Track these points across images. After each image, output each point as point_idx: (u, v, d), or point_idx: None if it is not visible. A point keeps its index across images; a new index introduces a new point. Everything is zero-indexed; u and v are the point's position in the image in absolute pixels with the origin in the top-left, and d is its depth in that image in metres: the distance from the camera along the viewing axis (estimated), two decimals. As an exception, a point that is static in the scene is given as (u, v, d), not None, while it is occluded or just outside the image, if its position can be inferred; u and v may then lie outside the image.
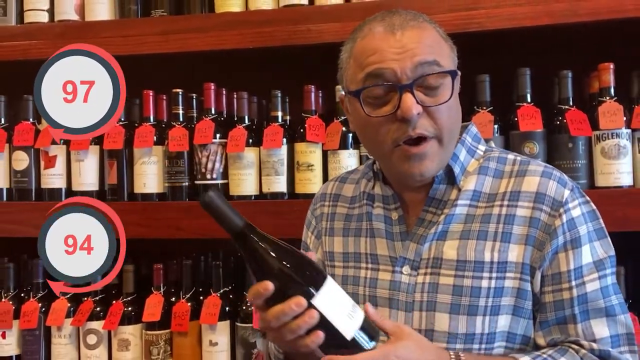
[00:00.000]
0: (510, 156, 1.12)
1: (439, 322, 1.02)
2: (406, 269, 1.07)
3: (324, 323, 0.90)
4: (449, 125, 1.03)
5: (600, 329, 1.01)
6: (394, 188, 1.12)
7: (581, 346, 1.01)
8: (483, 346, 1.02)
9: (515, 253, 1.02)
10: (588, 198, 1.07)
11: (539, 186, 1.04)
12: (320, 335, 0.90)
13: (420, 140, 1.01)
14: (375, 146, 1.07)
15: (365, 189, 1.18)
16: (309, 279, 0.92)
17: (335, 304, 0.92)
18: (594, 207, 1.06)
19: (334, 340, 0.91)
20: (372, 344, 0.93)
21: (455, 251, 1.04)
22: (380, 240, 1.11)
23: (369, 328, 0.93)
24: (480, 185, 1.08)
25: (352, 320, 0.92)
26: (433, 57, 1.01)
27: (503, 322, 1.02)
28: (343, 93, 1.14)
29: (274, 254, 0.92)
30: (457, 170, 1.08)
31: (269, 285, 0.89)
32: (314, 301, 0.90)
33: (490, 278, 1.02)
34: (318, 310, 0.89)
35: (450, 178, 1.08)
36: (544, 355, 1.00)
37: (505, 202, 1.05)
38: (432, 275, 1.05)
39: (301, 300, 0.88)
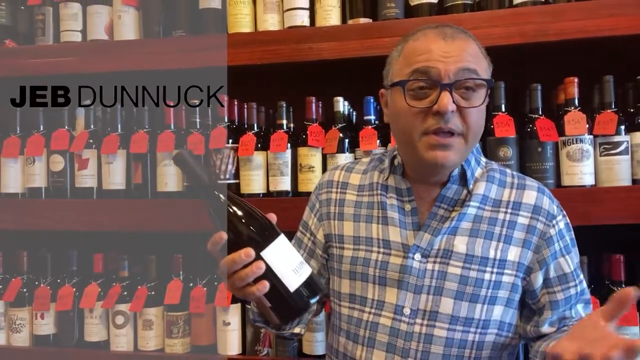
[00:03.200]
0: (508, 170, 1.16)
1: (444, 305, 1.04)
2: (417, 256, 1.07)
3: (270, 274, 0.91)
4: (476, 128, 1.04)
5: (581, 310, 1.11)
6: (410, 182, 1.12)
7: None
8: (479, 330, 1.05)
9: (513, 253, 1.06)
10: (565, 213, 1.13)
11: (536, 200, 1.09)
12: (265, 285, 0.91)
13: (448, 134, 1.02)
14: (405, 133, 1.05)
15: (378, 180, 1.16)
16: (260, 234, 0.92)
17: (283, 259, 0.92)
18: (569, 220, 1.13)
19: (279, 290, 0.92)
20: (314, 299, 0.94)
21: (465, 246, 1.06)
22: (394, 228, 1.11)
23: (313, 285, 0.94)
24: (488, 191, 1.10)
25: (297, 275, 0.92)
26: (474, 66, 1.02)
27: (497, 311, 1.05)
28: (384, 89, 1.14)
29: (232, 210, 0.93)
30: (469, 174, 1.09)
31: (223, 235, 0.91)
32: (262, 253, 0.91)
33: (492, 272, 1.05)
34: (265, 262, 0.90)
35: (462, 180, 1.10)
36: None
37: (509, 210, 1.09)
38: (441, 264, 1.06)
39: (250, 251, 0.90)
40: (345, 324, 1.14)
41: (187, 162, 0.92)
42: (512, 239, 1.07)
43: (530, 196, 1.09)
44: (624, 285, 1.47)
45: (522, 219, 1.08)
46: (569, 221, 1.12)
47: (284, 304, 0.94)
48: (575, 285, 1.09)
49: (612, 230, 1.47)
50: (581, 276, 1.11)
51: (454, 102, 0.99)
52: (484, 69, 1.06)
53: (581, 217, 1.42)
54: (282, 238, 0.93)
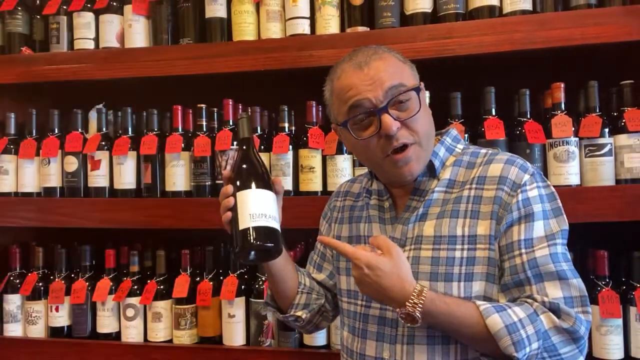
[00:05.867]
0: (484, 150, 1.12)
1: None
2: None
3: (235, 210, 1.06)
4: (424, 131, 1.05)
5: (554, 290, 0.97)
6: (385, 184, 1.15)
7: (534, 300, 0.98)
8: None
9: (483, 227, 1.02)
10: (548, 183, 1.06)
11: (502, 171, 1.04)
12: (228, 215, 1.08)
13: (403, 147, 1.03)
14: (368, 160, 1.11)
15: (366, 186, 1.22)
16: (245, 181, 1.08)
17: (247, 204, 1.05)
18: (553, 190, 1.05)
19: (235, 224, 1.05)
20: (251, 249, 1.04)
21: (433, 229, 1.05)
22: (375, 224, 1.14)
23: (260, 236, 1.04)
24: (454, 174, 1.10)
25: (251, 220, 1.04)
26: (398, 81, 1.03)
27: (478, 287, 1.01)
28: (334, 125, 1.16)
29: (242, 157, 1.12)
30: (437, 164, 1.10)
31: (226, 173, 1.13)
32: (236, 194, 1.07)
33: (462, 249, 1.02)
34: (235, 200, 1.06)
35: (431, 171, 1.10)
36: (502, 305, 0.97)
37: (474, 186, 1.06)
38: (414, 250, 1.06)
39: (229, 189, 1.09)
40: (346, 318, 1.17)
41: (248, 123, 1.16)
42: (479, 214, 1.03)
43: (496, 168, 1.05)
44: (608, 280, 1.47)
45: (488, 192, 1.03)
46: (550, 192, 1.04)
47: (234, 234, 1.06)
48: (521, 254, 0.99)
49: (597, 228, 1.47)
50: (537, 247, 0.99)
51: (395, 119, 1.02)
52: (408, 76, 1.07)
53: (567, 215, 1.39)
54: (265, 193, 1.07)
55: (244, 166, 1.11)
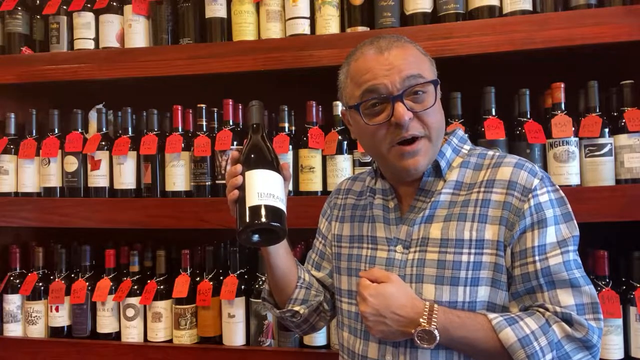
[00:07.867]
0: (490, 152, 1.10)
1: (426, 291, 1.01)
2: (399, 248, 1.06)
3: (242, 189, 1.05)
4: (436, 125, 1.04)
5: (566, 297, 0.97)
6: (390, 182, 1.13)
7: (546, 309, 0.97)
8: None
9: (490, 232, 1.00)
10: (557, 187, 1.04)
11: (511, 175, 1.02)
12: (235, 193, 1.06)
13: (413, 140, 1.02)
14: (374, 149, 1.07)
15: (369, 185, 1.19)
16: (253, 161, 1.09)
17: (256, 183, 1.05)
18: (563, 194, 1.03)
19: (243, 202, 1.04)
20: (263, 220, 1.02)
21: (440, 231, 1.03)
22: (379, 224, 1.12)
23: (268, 214, 1.02)
24: (462, 176, 1.07)
25: (259, 198, 1.03)
26: (417, 71, 1.01)
27: (483, 292, 1.00)
28: (344, 109, 1.15)
29: (252, 141, 1.13)
30: (443, 164, 1.07)
31: (235, 153, 1.12)
32: (245, 173, 1.07)
33: (469, 253, 1.00)
34: (244, 179, 1.06)
35: (437, 171, 1.08)
36: (513, 315, 0.97)
37: (482, 189, 1.03)
38: (420, 252, 1.04)
39: (238, 168, 1.07)
40: (346, 319, 1.15)
41: (256, 108, 1.20)
42: (487, 217, 1.00)
43: (505, 172, 1.02)
44: (608, 280, 1.46)
45: (496, 196, 1.01)
46: (559, 196, 1.02)
47: (239, 213, 1.05)
48: (534, 262, 0.97)
49: (597, 228, 1.47)
50: (550, 254, 0.97)
51: (408, 109, 0.99)
52: (426, 69, 1.05)
53: (567, 215, 1.42)
54: (268, 172, 1.07)
55: (254, 148, 1.12)
